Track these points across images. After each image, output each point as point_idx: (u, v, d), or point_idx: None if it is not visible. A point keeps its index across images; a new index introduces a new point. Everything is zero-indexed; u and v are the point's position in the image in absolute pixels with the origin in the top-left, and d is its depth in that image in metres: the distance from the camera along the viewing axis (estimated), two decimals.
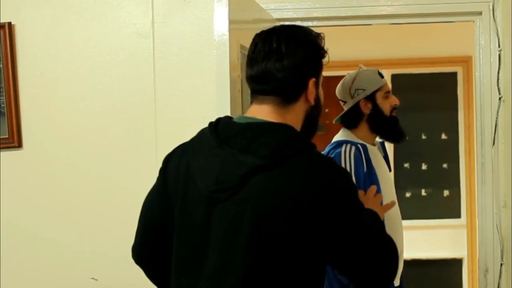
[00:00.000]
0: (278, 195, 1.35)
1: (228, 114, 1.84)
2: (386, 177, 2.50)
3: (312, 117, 1.54)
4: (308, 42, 1.50)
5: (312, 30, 1.53)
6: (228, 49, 1.92)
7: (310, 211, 1.34)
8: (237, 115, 1.59)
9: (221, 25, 1.92)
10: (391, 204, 2.00)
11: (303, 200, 1.34)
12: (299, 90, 1.48)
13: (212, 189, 1.41)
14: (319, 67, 1.52)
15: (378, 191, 2.36)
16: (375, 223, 1.54)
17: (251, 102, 1.52)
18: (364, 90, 2.47)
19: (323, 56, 1.53)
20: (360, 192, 1.80)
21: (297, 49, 1.47)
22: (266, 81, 1.47)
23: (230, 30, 1.92)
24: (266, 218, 1.35)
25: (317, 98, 1.52)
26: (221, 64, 1.93)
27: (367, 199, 1.79)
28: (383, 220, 1.65)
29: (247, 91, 1.95)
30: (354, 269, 1.44)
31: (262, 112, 1.47)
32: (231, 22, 1.92)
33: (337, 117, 2.55)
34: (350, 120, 2.51)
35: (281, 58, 1.45)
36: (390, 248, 1.46)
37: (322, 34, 1.53)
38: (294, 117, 1.49)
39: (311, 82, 1.49)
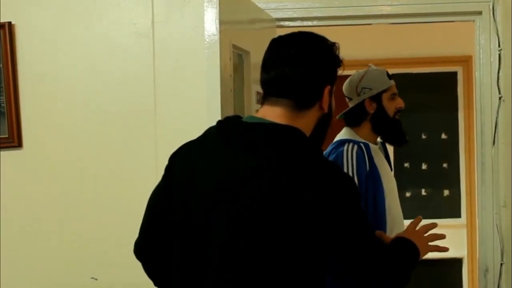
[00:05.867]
0: (279, 197, 1.35)
1: (219, 114, 1.85)
2: (389, 176, 2.49)
3: (323, 125, 1.54)
4: (326, 50, 1.52)
5: (327, 39, 1.54)
6: (218, 49, 1.92)
7: (311, 213, 1.34)
8: (230, 115, 1.59)
9: (211, 25, 1.94)
10: (442, 249, 1.85)
11: (305, 203, 1.34)
12: (314, 97, 1.49)
13: (215, 190, 1.41)
14: (334, 75, 1.54)
15: (381, 190, 2.36)
16: (405, 252, 1.56)
17: (263, 103, 1.52)
18: (370, 89, 2.47)
19: (339, 66, 1.54)
20: (412, 225, 1.80)
21: (316, 56, 1.49)
22: (282, 84, 1.47)
23: (221, 30, 1.93)
24: (267, 219, 1.35)
25: (329, 107, 1.53)
26: (211, 64, 1.94)
27: (416, 233, 1.75)
28: (419, 254, 1.62)
29: (240, 91, 1.95)
30: (357, 266, 1.45)
31: (273, 113, 1.47)
32: (222, 22, 1.93)
33: (341, 113, 2.55)
34: (354, 117, 2.51)
35: (299, 64, 1.46)
36: (385, 267, 1.47)
37: (337, 44, 1.55)
38: (305, 123, 1.49)
39: (326, 90, 1.50)
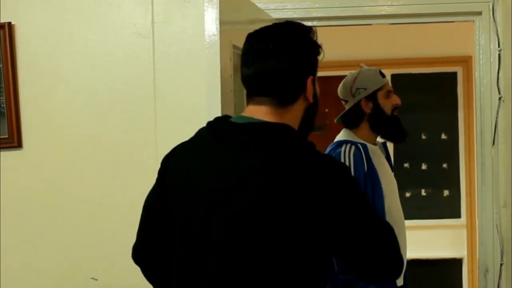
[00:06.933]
0: (277, 195, 1.34)
1: (219, 114, 1.84)
2: (388, 177, 2.49)
3: (310, 115, 1.54)
4: (304, 40, 1.49)
5: (303, 25, 1.52)
6: (218, 50, 1.92)
7: (311, 209, 1.33)
8: (229, 114, 1.58)
9: (211, 26, 1.93)
10: None
11: (303, 199, 1.33)
12: (298, 91, 1.48)
13: (211, 190, 1.41)
14: (315, 64, 1.52)
15: (380, 190, 2.36)
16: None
17: (248, 102, 1.51)
18: (365, 89, 2.47)
19: (319, 53, 1.52)
20: None
21: (294, 48, 1.46)
22: (264, 82, 1.46)
23: (221, 31, 1.92)
24: (266, 218, 1.35)
25: (314, 96, 1.52)
26: (211, 64, 1.94)
27: None
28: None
29: (241, 91, 1.94)
30: (358, 262, 1.42)
31: (260, 112, 1.46)
32: (222, 23, 1.93)
33: (338, 116, 2.55)
34: (351, 119, 2.51)
35: (279, 58, 1.44)
36: (392, 242, 1.44)
37: (314, 28, 1.52)
38: (293, 116, 1.48)
39: (309, 81, 1.48)
